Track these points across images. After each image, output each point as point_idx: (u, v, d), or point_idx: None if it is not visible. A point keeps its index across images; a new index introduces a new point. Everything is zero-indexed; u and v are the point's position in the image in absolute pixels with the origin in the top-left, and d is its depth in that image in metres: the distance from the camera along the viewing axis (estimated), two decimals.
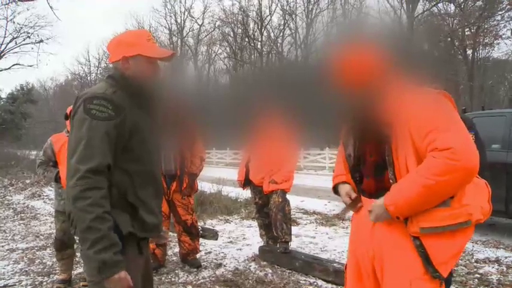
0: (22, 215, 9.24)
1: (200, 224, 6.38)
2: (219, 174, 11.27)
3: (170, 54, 2.07)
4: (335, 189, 2.21)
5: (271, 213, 4.93)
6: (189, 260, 4.89)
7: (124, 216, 1.87)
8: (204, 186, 8.18)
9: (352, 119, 1.98)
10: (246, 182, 5.34)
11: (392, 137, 1.77)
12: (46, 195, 11.26)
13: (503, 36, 27.59)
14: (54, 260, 5.33)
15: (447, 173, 1.61)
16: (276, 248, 4.95)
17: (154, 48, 2.04)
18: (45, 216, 8.97)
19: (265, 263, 4.94)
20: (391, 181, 1.81)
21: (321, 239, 6.22)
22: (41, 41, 27.30)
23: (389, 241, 1.83)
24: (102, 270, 1.75)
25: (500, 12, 26.24)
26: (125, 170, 1.90)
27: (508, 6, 25.15)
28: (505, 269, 4.59)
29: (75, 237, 1.94)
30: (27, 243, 6.53)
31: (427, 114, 1.71)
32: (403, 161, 1.75)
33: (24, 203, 10.58)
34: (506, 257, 4.98)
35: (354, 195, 2.04)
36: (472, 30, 28.10)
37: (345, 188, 2.10)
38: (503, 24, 26.93)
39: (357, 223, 2.08)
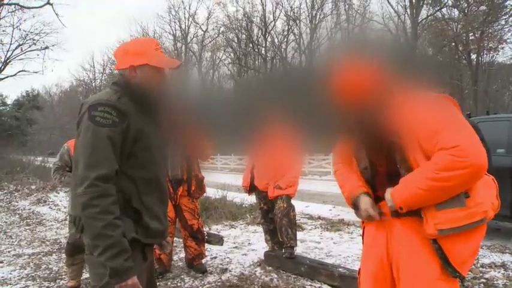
0: (28, 220, 9.28)
1: (205, 229, 6.39)
2: (223, 180, 11.29)
3: (177, 65, 2.10)
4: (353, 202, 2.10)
5: (276, 219, 4.94)
6: (195, 265, 4.90)
7: (127, 222, 1.88)
8: (209, 191, 8.21)
9: (359, 131, 1.99)
10: (251, 188, 5.35)
11: (402, 146, 1.79)
12: (52, 201, 11.30)
13: (508, 40, 27.61)
14: (61, 265, 5.37)
15: (453, 169, 1.63)
16: (281, 253, 4.95)
17: (161, 58, 2.07)
18: (51, 222, 9.02)
19: (270, 268, 4.94)
20: None
21: (326, 244, 6.22)
22: (47, 47, 27.39)
23: (405, 244, 1.84)
24: (113, 276, 1.77)
25: (504, 17, 26.23)
26: (129, 176, 1.92)
27: None
28: (511, 273, 4.57)
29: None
30: (33, 248, 6.56)
31: (432, 117, 1.73)
32: (416, 166, 1.77)
33: (29, 209, 10.62)
34: None
35: (372, 212, 1.97)
36: (476, 35, 28.07)
37: (364, 202, 2.01)
38: (507, 29, 26.94)
39: (372, 228, 2.07)
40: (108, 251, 1.76)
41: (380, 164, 1.96)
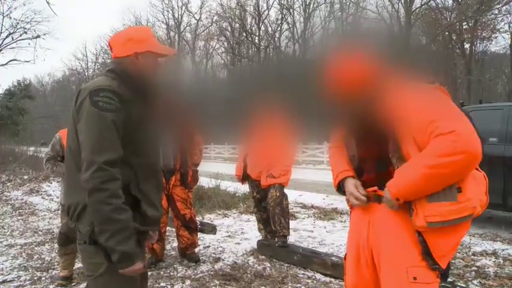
0: (20, 210, 9.25)
1: (199, 218, 6.39)
2: (217, 169, 11.28)
3: (174, 52, 2.15)
4: (339, 186, 2.13)
5: (269, 208, 4.94)
6: (188, 254, 4.90)
7: None
8: (202, 181, 8.20)
9: (351, 119, 1.99)
10: (244, 177, 5.34)
11: (396, 136, 1.79)
12: (44, 191, 11.24)
13: (501, 30, 27.66)
14: (53, 255, 5.35)
15: (450, 154, 1.62)
16: (274, 242, 4.95)
17: (159, 45, 2.09)
18: (44, 211, 8.98)
19: (263, 257, 4.95)
20: None
21: (319, 232, 6.24)
22: (38, 36, 27.15)
23: (386, 231, 1.85)
24: (123, 260, 1.77)
25: (497, 6, 26.23)
26: (128, 163, 1.90)
27: (506, 0, 25.12)
28: (501, 261, 4.61)
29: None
30: (25, 238, 6.54)
31: (425, 108, 1.73)
32: (408, 157, 1.77)
33: (22, 199, 10.57)
34: (503, 250, 5.01)
35: (355, 191, 1.98)
36: (470, 24, 28.09)
37: (350, 184, 2.04)
38: (500, 18, 26.98)
39: (356, 213, 2.09)
40: (118, 235, 1.75)
41: (372, 151, 1.95)
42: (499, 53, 32.13)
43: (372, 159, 1.94)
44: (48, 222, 7.88)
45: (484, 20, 27.56)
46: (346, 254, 2.16)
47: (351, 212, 2.20)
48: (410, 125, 1.73)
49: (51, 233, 6.81)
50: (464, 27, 28.87)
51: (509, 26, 28.18)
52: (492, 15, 27.24)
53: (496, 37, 29.16)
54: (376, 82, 1.82)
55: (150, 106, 2.03)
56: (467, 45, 30.51)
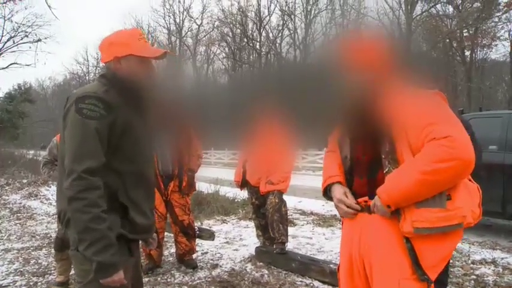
0: (18, 214, 9.21)
1: (197, 224, 6.37)
2: (217, 174, 11.25)
3: (162, 53, 2.05)
4: (325, 191, 2.13)
5: (268, 214, 4.92)
6: (186, 260, 4.87)
7: (114, 217, 1.85)
8: (201, 186, 8.18)
9: (349, 119, 1.96)
10: (243, 183, 5.33)
11: (393, 137, 1.77)
12: (43, 195, 11.21)
13: (501, 37, 27.75)
14: (50, 260, 5.32)
15: (445, 160, 1.60)
16: (273, 248, 4.93)
17: (145, 48, 2.03)
18: (42, 216, 8.95)
19: (261, 263, 4.92)
20: None
21: (317, 239, 6.20)
22: (39, 40, 27.20)
23: (377, 241, 1.82)
24: (99, 271, 1.75)
25: (497, 14, 26.33)
26: (116, 170, 1.88)
27: (506, 8, 25.22)
28: (501, 270, 4.58)
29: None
30: (22, 243, 6.51)
31: (423, 111, 1.71)
32: (402, 159, 1.75)
33: (20, 203, 10.53)
34: (502, 258, 4.97)
35: (346, 199, 1.95)
36: (470, 32, 28.19)
37: (338, 191, 2.00)
38: (500, 26, 27.08)
39: (347, 223, 2.05)
40: (95, 244, 1.73)
41: (364, 153, 1.92)
42: (499, 61, 32.25)
43: (365, 163, 1.92)
44: (46, 226, 7.85)
45: (484, 27, 27.68)
46: (339, 265, 2.13)
47: (342, 221, 2.15)
48: (406, 127, 1.72)
49: (48, 237, 6.78)
50: (464, 34, 28.98)
51: (509, 34, 28.33)
52: (492, 23, 27.37)
53: (496, 45, 29.35)
54: (378, 79, 1.79)
55: (142, 112, 2.00)
56: (467, 53, 30.63)
